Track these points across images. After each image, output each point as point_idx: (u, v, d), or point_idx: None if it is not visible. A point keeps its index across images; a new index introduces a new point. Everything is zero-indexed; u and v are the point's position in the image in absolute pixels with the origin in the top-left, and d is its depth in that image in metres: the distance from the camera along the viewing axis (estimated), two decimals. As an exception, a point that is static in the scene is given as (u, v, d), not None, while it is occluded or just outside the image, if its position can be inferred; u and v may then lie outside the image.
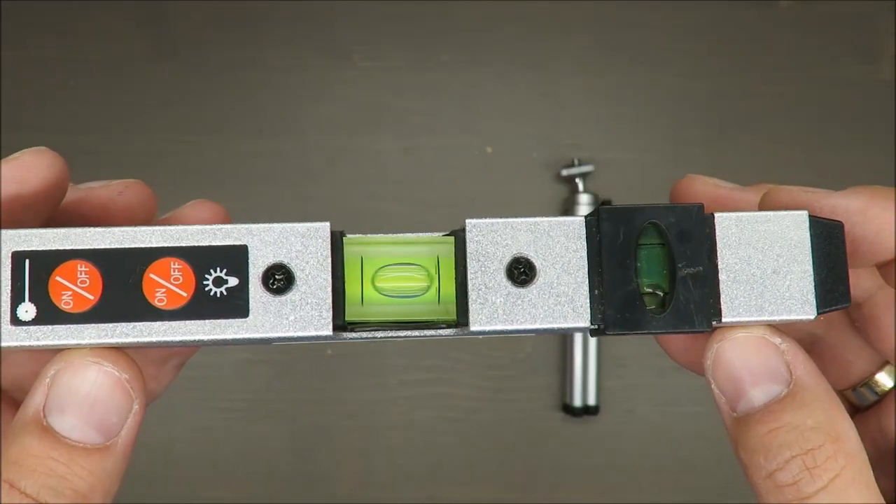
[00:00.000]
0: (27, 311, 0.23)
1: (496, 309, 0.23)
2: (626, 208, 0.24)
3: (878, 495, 0.23)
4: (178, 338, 0.23)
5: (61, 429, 0.22)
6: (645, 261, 0.24)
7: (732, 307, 0.24)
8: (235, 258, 0.23)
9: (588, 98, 0.72)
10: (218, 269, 0.23)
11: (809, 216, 0.24)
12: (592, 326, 0.24)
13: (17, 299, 0.23)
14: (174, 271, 0.23)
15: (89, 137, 0.70)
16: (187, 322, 0.23)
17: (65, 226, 0.23)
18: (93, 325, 0.23)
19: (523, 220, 0.24)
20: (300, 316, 0.23)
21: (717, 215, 0.24)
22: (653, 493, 0.68)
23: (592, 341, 0.68)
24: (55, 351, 0.23)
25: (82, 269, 0.23)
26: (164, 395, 0.31)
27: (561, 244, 0.24)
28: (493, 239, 0.24)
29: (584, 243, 0.24)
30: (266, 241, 0.23)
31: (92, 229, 0.23)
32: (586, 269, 0.24)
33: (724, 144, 0.71)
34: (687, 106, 0.72)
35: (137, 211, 0.27)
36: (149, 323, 0.23)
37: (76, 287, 0.23)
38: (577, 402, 0.68)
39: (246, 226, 0.23)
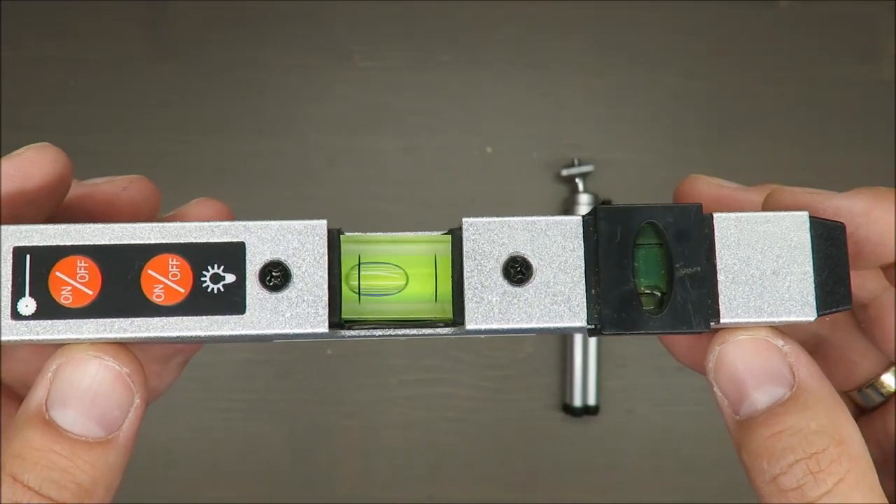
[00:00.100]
0: (27, 305, 0.23)
1: (492, 308, 0.23)
2: (624, 208, 0.24)
3: (882, 498, 0.23)
4: (175, 333, 0.23)
5: (63, 422, 0.22)
6: (642, 261, 0.24)
7: (731, 308, 0.24)
8: (233, 255, 0.23)
9: (588, 98, 0.72)
10: (215, 265, 0.23)
11: (810, 217, 0.24)
12: (589, 326, 0.24)
13: (17, 294, 0.23)
14: (172, 267, 0.23)
15: (89, 137, 0.70)
16: (185, 318, 0.23)
17: (69, 222, 0.23)
18: (92, 320, 0.23)
19: (520, 219, 0.24)
20: (296, 313, 0.23)
21: (715, 215, 0.24)
22: (653, 493, 0.68)
23: (592, 341, 0.68)
24: (58, 346, 0.23)
25: (82, 264, 0.23)
26: (163, 394, 0.31)
27: (558, 243, 0.24)
28: (489, 238, 0.24)
29: (582, 243, 0.24)
30: (263, 239, 0.23)
31: (91, 225, 0.23)
32: (583, 268, 0.24)
33: (724, 144, 0.71)
34: (687, 106, 0.72)
35: (141, 207, 0.27)
36: (147, 318, 0.23)
37: (76, 282, 0.23)
38: (577, 402, 0.68)
39: (243, 223, 0.24)
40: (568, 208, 0.69)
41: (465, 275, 0.24)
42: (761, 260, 0.24)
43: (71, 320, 0.23)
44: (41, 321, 0.23)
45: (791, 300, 0.24)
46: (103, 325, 0.23)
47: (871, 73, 0.72)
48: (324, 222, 0.24)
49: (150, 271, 0.23)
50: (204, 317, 0.23)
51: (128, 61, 0.71)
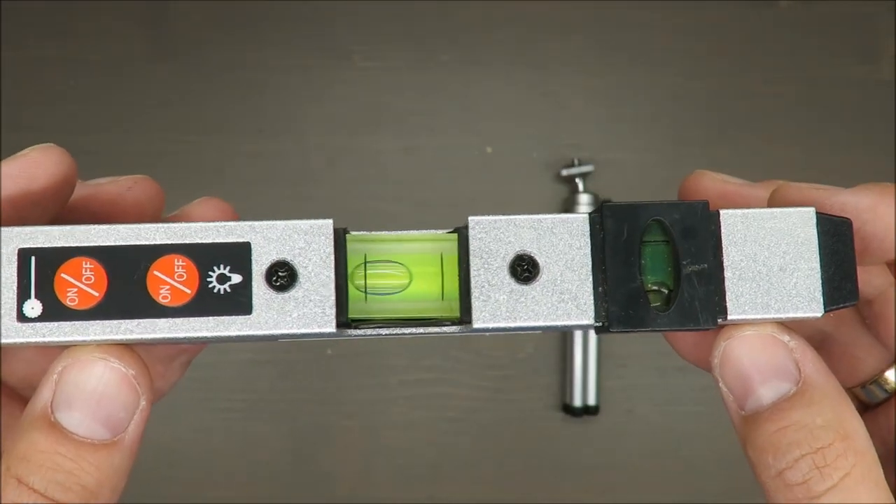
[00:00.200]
0: (33, 307, 0.23)
1: (499, 306, 0.23)
2: (630, 205, 0.24)
3: (887, 493, 0.23)
4: (181, 334, 0.23)
5: (69, 424, 0.22)
6: (649, 258, 0.24)
7: (738, 304, 0.24)
8: (239, 255, 0.23)
9: (588, 98, 0.72)
10: (221, 266, 0.23)
11: (817, 213, 0.24)
12: (596, 324, 0.24)
13: (23, 296, 0.23)
14: (178, 268, 0.23)
15: (89, 137, 0.70)
16: (191, 319, 0.23)
17: (74, 222, 0.23)
18: (98, 321, 0.23)
19: (526, 217, 0.24)
20: (303, 313, 0.23)
21: (722, 212, 0.24)
22: (653, 493, 0.68)
23: (592, 341, 0.68)
24: (63, 348, 0.23)
25: (87, 266, 0.23)
26: (166, 395, 0.31)
27: (564, 241, 0.24)
28: (496, 236, 0.24)
29: (588, 240, 0.24)
30: (269, 239, 0.23)
31: (97, 226, 0.23)
32: (590, 266, 0.24)
33: (724, 144, 0.71)
34: (687, 106, 0.72)
35: (146, 207, 0.27)
36: (153, 320, 0.23)
37: (81, 284, 0.23)
38: (577, 402, 0.68)
39: (249, 223, 0.23)
40: (568, 208, 0.69)
41: (472, 273, 0.24)
42: (768, 256, 0.24)
43: (77, 322, 0.23)
44: (47, 323, 0.23)
45: (798, 296, 0.24)
46: (110, 327, 0.23)
47: (871, 73, 0.72)
48: (330, 222, 0.24)
49: (155, 272, 0.23)
50: (210, 317, 0.23)
51: (128, 61, 0.71)
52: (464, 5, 0.73)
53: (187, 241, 0.23)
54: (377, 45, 0.72)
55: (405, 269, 0.25)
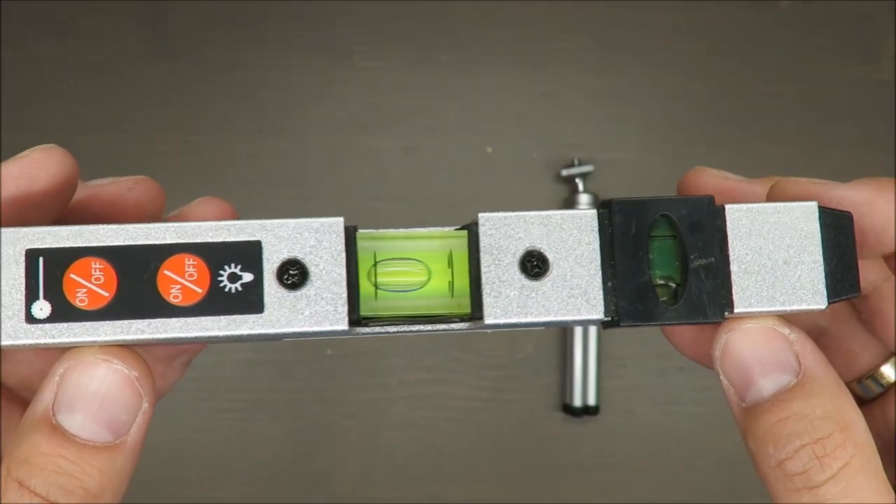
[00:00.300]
0: (42, 308, 0.22)
1: (510, 302, 0.24)
2: (638, 200, 0.24)
3: (886, 484, 0.23)
4: (193, 334, 0.23)
5: (70, 427, 0.22)
6: (657, 252, 0.24)
7: (744, 298, 0.24)
8: (250, 254, 0.23)
9: (588, 98, 0.72)
10: (232, 264, 0.23)
11: (819, 207, 0.24)
12: (606, 318, 0.24)
13: (31, 297, 0.22)
14: (189, 267, 0.23)
15: (89, 137, 0.69)
16: (203, 318, 0.23)
17: (74, 223, 0.23)
18: (108, 322, 0.23)
19: (536, 213, 0.24)
20: (315, 311, 0.23)
21: (727, 207, 0.24)
22: (653, 493, 0.68)
23: (592, 341, 0.68)
24: (64, 349, 0.23)
25: (97, 266, 0.23)
26: (166, 395, 0.31)
27: (573, 237, 0.24)
28: (505, 232, 0.24)
29: (597, 236, 0.24)
30: (280, 237, 0.23)
31: (106, 226, 0.23)
32: (599, 261, 0.24)
33: (724, 144, 0.71)
34: (687, 106, 0.72)
35: (147, 207, 0.27)
36: (164, 319, 0.23)
37: (91, 284, 0.23)
38: (577, 402, 0.68)
39: (259, 221, 0.23)
40: (568, 208, 0.69)
41: (483, 270, 0.24)
42: (773, 250, 0.24)
43: (87, 322, 0.22)
44: (56, 324, 0.22)
45: (802, 289, 0.24)
46: (121, 327, 0.23)
47: (871, 73, 0.72)
48: (340, 220, 0.24)
49: (166, 272, 0.23)
50: (222, 316, 0.23)
51: (128, 61, 0.71)
52: (464, 5, 0.73)
53: (198, 241, 0.23)
54: (377, 45, 0.72)
55: (424, 267, 0.25)
